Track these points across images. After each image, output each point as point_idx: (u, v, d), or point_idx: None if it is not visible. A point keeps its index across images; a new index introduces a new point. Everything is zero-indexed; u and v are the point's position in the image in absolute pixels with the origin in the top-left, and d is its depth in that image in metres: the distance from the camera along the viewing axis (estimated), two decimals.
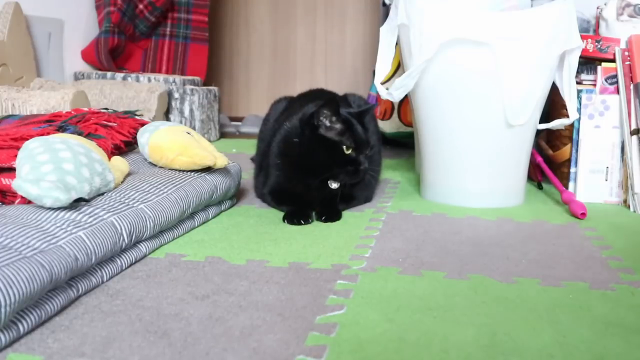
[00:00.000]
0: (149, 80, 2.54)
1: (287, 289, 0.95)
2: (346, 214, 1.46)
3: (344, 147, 1.31)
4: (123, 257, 1.02)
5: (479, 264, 1.10)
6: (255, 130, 1.79)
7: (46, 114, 1.55)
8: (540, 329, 0.82)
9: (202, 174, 1.34)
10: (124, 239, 1.01)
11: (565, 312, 0.88)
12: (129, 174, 1.26)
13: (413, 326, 0.82)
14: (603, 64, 1.68)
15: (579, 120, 1.66)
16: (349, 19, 3.64)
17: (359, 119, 1.37)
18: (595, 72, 1.70)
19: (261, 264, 1.07)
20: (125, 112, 1.60)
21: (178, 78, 2.60)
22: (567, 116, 1.58)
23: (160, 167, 1.34)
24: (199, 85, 2.73)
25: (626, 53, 1.66)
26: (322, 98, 1.52)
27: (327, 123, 1.32)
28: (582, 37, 1.57)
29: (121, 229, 1.00)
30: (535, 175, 1.84)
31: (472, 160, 1.56)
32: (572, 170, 1.70)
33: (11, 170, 1.12)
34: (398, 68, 2.32)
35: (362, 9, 3.61)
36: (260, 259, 1.09)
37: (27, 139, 1.14)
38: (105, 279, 0.96)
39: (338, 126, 1.32)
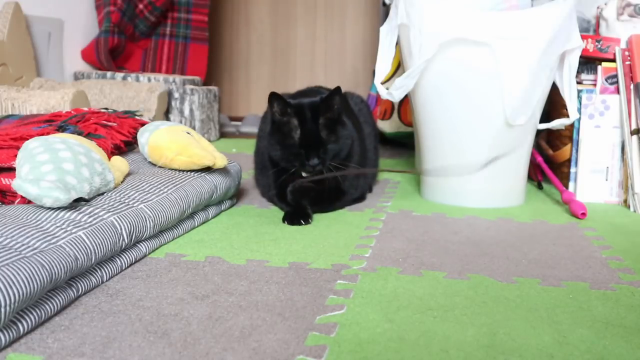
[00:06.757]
0: (149, 80, 2.54)
1: (287, 289, 0.95)
2: (346, 213, 1.46)
3: (290, 139, 1.35)
4: (123, 257, 1.02)
5: (479, 264, 1.10)
6: (256, 130, 1.79)
7: (46, 113, 1.55)
8: (540, 329, 0.82)
9: (202, 174, 1.33)
10: (123, 239, 1.01)
11: (565, 312, 0.88)
12: (129, 174, 1.26)
13: (413, 326, 0.82)
14: (603, 63, 1.68)
15: (579, 120, 1.66)
16: (349, 19, 3.64)
17: (317, 110, 1.35)
18: (595, 72, 1.70)
19: (261, 264, 1.06)
20: (125, 112, 1.60)
21: (178, 78, 2.60)
22: (567, 116, 1.58)
23: (160, 166, 1.34)
24: (199, 85, 2.73)
25: (626, 53, 1.65)
26: (318, 95, 1.52)
27: (278, 115, 1.37)
28: (583, 37, 1.57)
29: (121, 229, 1.00)
30: (535, 175, 1.84)
31: (472, 160, 1.56)
32: (572, 170, 1.70)
33: (11, 170, 1.12)
34: (398, 68, 2.32)
35: (362, 9, 3.61)
36: (260, 259, 1.09)
37: (27, 139, 1.14)
38: (105, 279, 0.96)
39: (286, 118, 1.36)
